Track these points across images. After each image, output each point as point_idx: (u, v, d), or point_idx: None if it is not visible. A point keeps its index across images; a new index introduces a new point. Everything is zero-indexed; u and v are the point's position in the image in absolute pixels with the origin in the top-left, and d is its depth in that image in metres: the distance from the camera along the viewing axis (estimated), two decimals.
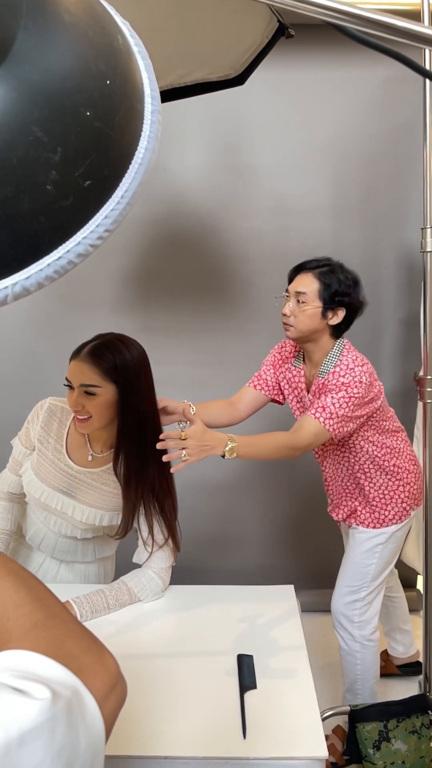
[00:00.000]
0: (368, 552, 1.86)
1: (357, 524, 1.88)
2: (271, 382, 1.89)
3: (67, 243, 0.46)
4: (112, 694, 0.49)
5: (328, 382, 1.66)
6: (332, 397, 1.60)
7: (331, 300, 1.67)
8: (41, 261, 0.46)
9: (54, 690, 0.42)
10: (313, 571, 2.65)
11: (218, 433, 1.43)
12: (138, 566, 1.58)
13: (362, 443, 1.77)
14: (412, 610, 2.38)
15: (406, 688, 2.14)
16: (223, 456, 1.43)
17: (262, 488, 2.69)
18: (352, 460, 1.81)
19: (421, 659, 2.22)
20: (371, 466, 1.81)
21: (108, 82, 0.45)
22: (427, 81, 1.78)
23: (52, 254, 0.46)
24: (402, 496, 1.83)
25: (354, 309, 1.71)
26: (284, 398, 1.91)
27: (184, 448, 1.37)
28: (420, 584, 2.66)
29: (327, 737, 1.66)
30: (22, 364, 2.56)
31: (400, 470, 1.82)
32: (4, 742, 0.38)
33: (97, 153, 0.45)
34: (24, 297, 0.47)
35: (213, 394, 2.04)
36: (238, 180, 2.51)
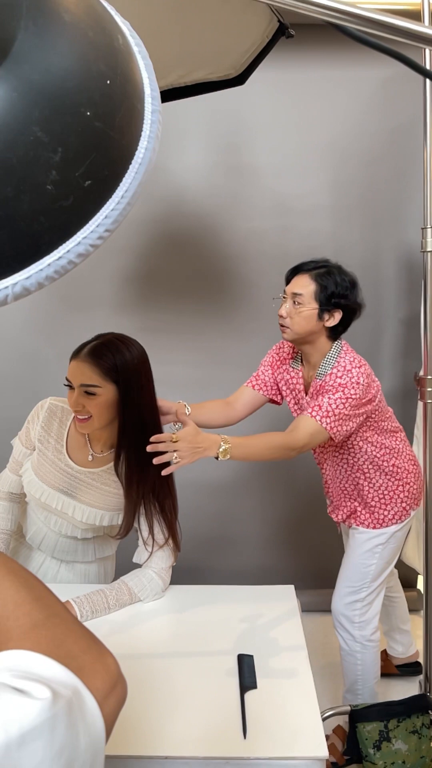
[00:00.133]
0: (368, 552, 1.85)
1: (357, 525, 1.88)
2: (269, 382, 1.88)
3: (67, 243, 0.46)
4: (113, 694, 0.49)
5: (326, 383, 1.65)
6: (329, 398, 1.60)
7: (327, 302, 1.66)
8: (41, 261, 0.46)
9: (54, 690, 0.42)
10: (313, 571, 2.65)
11: (211, 435, 1.42)
12: (138, 566, 1.58)
13: (361, 444, 1.77)
14: (412, 610, 2.38)
15: (406, 688, 2.14)
16: (217, 458, 1.41)
17: (262, 488, 2.69)
18: (351, 461, 1.81)
19: (420, 659, 2.23)
20: (370, 466, 1.80)
21: (108, 82, 0.45)
22: (428, 81, 1.78)
23: (52, 254, 0.46)
24: (402, 496, 1.83)
25: (351, 311, 1.70)
26: (282, 398, 1.91)
27: (175, 451, 1.36)
28: (420, 584, 2.66)
29: (327, 737, 1.66)
30: (22, 364, 2.56)
31: (399, 470, 1.82)
32: (4, 741, 0.38)
33: (98, 153, 0.45)
34: (24, 297, 0.47)
35: (213, 394, 2.04)
36: (238, 180, 2.51)
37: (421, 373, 1.97)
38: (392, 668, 2.28)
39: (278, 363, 1.89)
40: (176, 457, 1.36)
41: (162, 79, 1.91)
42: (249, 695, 1.20)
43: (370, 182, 2.52)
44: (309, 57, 2.41)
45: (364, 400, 1.64)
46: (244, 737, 1.09)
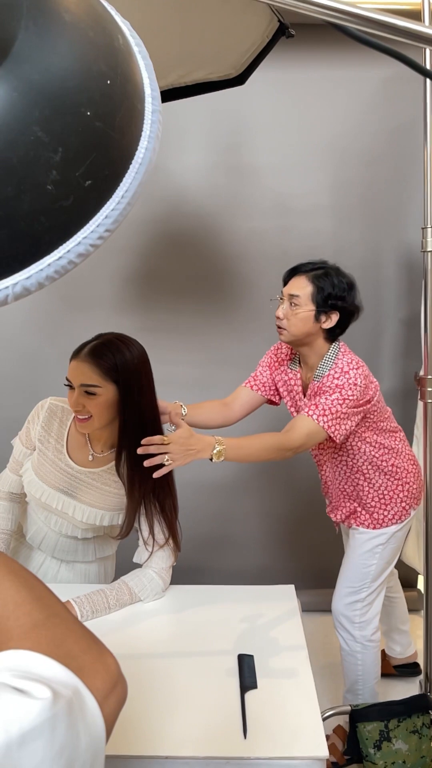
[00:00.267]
0: (368, 553, 1.85)
1: (357, 525, 1.87)
2: (267, 382, 1.88)
3: (67, 243, 0.46)
4: (113, 693, 0.49)
5: (323, 385, 1.65)
6: (326, 398, 1.59)
7: (324, 303, 1.65)
8: (42, 261, 0.46)
9: (54, 690, 0.42)
10: (313, 571, 2.65)
11: (205, 436, 1.40)
12: (138, 566, 1.58)
13: (360, 444, 1.77)
14: (412, 610, 2.38)
15: (406, 688, 2.14)
16: (211, 459, 1.40)
17: (262, 488, 2.69)
18: (350, 462, 1.81)
19: (420, 659, 2.23)
20: (369, 467, 1.80)
21: (109, 82, 0.45)
22: (428, 81, 1.78)
23: (52, 254, 0.46)
24: (401, 495, 1.83)
25: (348, 313, 1.69)
26: (280, 399, 1.91)
27: (167, 453, 1.34)
28: (420, 584, 2.66)
29: (328, 737, 1.67)
30: (22, 364, 2.56)
31: (398, 470, 1.82)
32: (4, 741, 0.38)
33: (98, 153, 0.45)
34: (24, 297, 0.47)
35: (213, 394, 2.04)
36: (238, 180, 2.51)
37: (421, 373, 1.97)
38: (390, 668, 2.27)
39: (276, 364, 1.89)
40: (168, 459, 1.34)
41: (162, 79, 1.91)
42: (249, 695, 1.20)
43: (370, 182, 2.52)
44: (309, 57, 2.41)
45: (361, 401, 1.64)
46: (245, 737, 1.09)
